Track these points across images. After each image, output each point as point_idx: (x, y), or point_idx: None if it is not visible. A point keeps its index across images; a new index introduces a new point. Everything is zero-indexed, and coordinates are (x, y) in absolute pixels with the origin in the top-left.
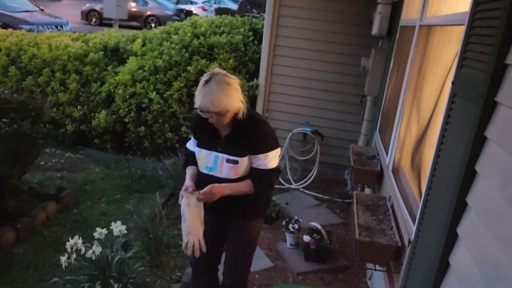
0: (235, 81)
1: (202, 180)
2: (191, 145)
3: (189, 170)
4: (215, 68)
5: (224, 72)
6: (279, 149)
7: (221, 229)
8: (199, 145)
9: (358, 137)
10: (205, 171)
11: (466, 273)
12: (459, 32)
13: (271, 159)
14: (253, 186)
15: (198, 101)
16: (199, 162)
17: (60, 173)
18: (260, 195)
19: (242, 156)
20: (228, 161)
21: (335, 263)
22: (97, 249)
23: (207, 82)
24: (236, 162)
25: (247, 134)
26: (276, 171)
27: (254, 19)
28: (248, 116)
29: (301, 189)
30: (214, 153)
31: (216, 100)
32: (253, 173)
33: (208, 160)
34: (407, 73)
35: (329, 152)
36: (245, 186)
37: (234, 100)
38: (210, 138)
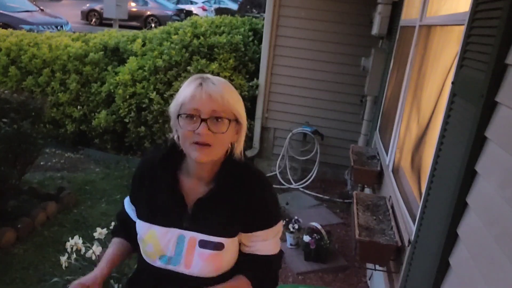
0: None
1: (154, 280)
2: (127, 202)
3: (109, 248)
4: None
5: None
6: (281, 224)
7: None
8: (146, 217)
9: (358, 137)
10: (158, 263)
11: (466, 273)
12: (459, 32)
13: (274, 239)
14: (252, 284)
15: (187, 93)
16: (145, 248)
17: (60, 173)
18: None
19: (231, 235)
20: (203, 245)
21: (335, 263)
22: (97, 249)
23: (203, 79)
24: (220, 247)
25: (240, 196)
26: (280, 257)
27: (254, 19)
28: (243, 167)
29: (301, 189)
30: (176, 232)
31: (224, 88)
32: (248, 264)
33: (164, 243)
34: (407, 73)
35: (329, 152)
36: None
37: (243, 107)
38: (167, 205)
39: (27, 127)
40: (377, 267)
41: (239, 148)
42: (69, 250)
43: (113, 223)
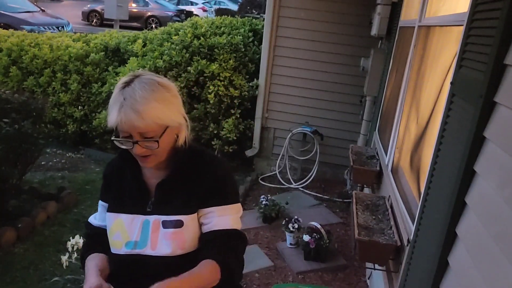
0: (171, 84)
1: (118, 268)
2: (96, 218)
3: (92, 261)
4: (139, 70)
5: (152, 73)
6: (240, 206)
7: None
8: (113, 208)
9: (358, 137)
10: (124, 250)
11: (465, 273)
12: (458, 33)
13: (232, 216)
14: (218, 264)
15: (112, 117)
16: (112, 238)
17: (61, 173)
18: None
19: (189, 212)
20: (166, 225)
21: (335, 263)
22: None
23: (127, 84)
24: (180, 224)
25: (195, 175)
26: (242, 236)
27: (254, 19)
28: (194, 150)
29: (301, 189)
30: (141, 218)
31: (144, 107)
32: (210, 243)
33: (131, 230)
34: (406, 73)
35: (328, 152)
36: (207, 272)
37: (173, 110)
38: (133, 195)
39: (28, 127)
40: (377, 266)
41: (181, 139)
42: (70, 249)
43: None
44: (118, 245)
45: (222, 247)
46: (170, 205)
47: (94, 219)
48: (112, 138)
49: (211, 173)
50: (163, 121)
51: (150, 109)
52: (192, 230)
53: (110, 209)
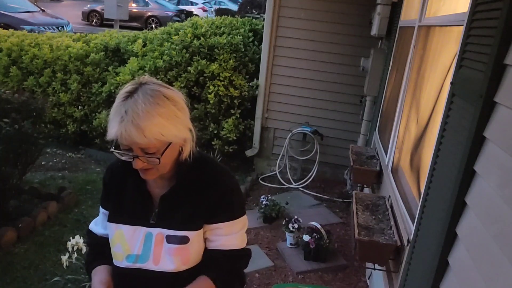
0: (178, 95)
1: (121, 281)
2: (98, 225)
3: (96, 276)
4: (145, 76)
5: (158, 81)
6: (246, 218)
7: None
8: (114, 217)
9: (358, 137)
10: (125, 263)
11: (465, 273)
12: (458, 33)
13: (239, 233)
14: (216, 285)
15: (112, 130)
16: (113, 249)
17: (61, 173)
18: None
19: (195, 228)
20: (170, 240)
21: (335, 262)
22: None
23: (130, 94)
24: (185, 241)
25: (201, 187)
26: (247, 254)
27: (254, 20)
28: (200, 160)
29: (301, 189)
30: (143, 230)
31: (146, 122)
32: (213, 262)
33: (132, 242)
34: (406, 73)
35: (328, 152)
36: None
37: (178, 125)
38: (135, 205)
39: (28, 127)
40: (377, 266)
41: (186, 153)
42: (70, 249)
43: None
44: (119, 257)
45: (226, 268)
46: (174, 218)
47: (95, 226)
48: (112, 150)
49: (217, 186)
50: (167, 138)
51: (153, 126)
52: (197, 245)
53: (110, 219)
